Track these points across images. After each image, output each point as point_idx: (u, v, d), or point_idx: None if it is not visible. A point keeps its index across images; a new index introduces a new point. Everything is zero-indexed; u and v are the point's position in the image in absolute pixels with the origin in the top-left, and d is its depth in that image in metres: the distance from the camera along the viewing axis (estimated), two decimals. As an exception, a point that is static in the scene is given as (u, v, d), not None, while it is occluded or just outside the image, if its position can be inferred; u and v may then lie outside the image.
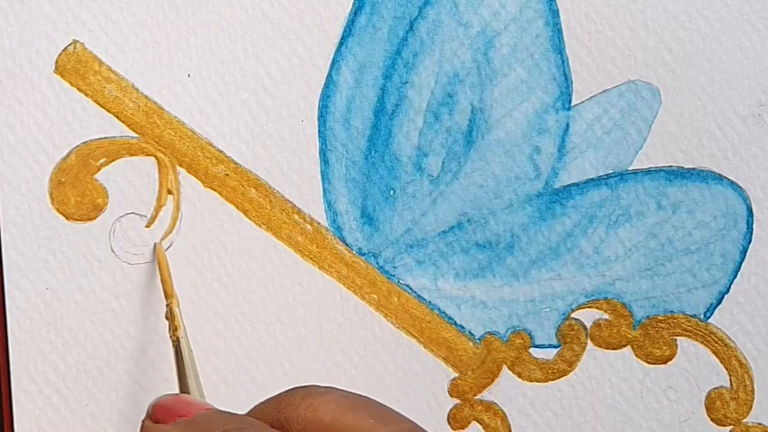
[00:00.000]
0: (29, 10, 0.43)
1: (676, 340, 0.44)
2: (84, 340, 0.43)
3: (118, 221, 0.43)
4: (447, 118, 0.44)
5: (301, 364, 0.43)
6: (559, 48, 0.44)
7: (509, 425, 0.44)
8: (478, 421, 0.44)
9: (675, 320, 0.44)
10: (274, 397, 0.32)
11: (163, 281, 0.42)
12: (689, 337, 0.44)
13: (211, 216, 0.44)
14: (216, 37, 0.44)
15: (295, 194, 0.44)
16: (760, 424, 0.44)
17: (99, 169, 0.43)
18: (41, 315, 0.43)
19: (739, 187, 0.44)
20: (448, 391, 0.44)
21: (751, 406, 0.44)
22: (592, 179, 0.44)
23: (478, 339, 0.44)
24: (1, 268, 0.43)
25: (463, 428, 0.44)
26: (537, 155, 0.44)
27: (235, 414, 0.32)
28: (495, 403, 0.44)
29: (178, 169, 0.44)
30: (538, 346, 0.44)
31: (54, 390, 0.43)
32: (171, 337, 0.40)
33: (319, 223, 0.44)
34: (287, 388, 0.32)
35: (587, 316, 0.44)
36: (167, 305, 0.41)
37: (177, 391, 0.38)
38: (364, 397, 0.32)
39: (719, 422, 0.44)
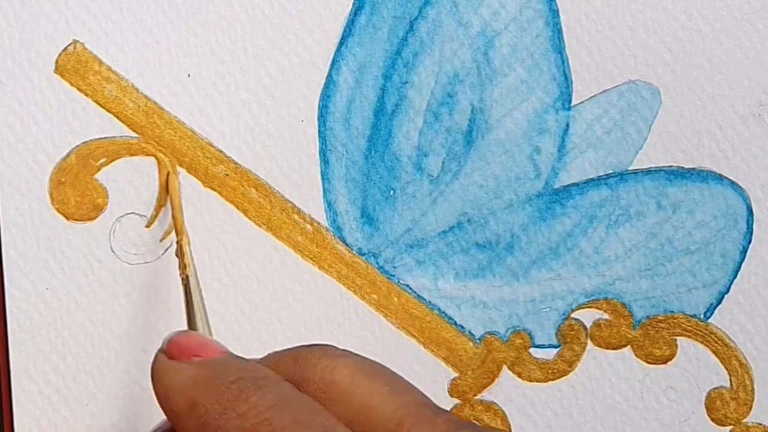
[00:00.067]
0: (29, 10, 0.43)
1: (676, 340, 0.44)
2: (84, 340, 0.43)
3: (118, 221, 0.43)
4: (447, 118, 0.44)
5: (301, 364, 0.43)
6: (559, 48, 0.44)
7: (509, 425, 0.44)
8: (478, 421, 0.44)
9: (675, 320, 0.44)
10: (290, 350, 0.32)
11: (174, 218, 0.42)
12: (689, 337, 0.44)
13: (211, 216, 0.44)
14: (216, 37, 0.44)
15: (295, 194, 0.44)
16: (760, 424, 0.44)
17: (99, 169, 0.43)
18: (41, 315, 0.43)
19: (739, 187, 0.44)
20: (448, 391, 0.44)
21: (751, 406, 0.44)
22: (592, 179, 0.44)
23: (478, 339, 0.44)
24: (1, 268, 0.43)
25: (463, 428, 0.44)
26: (537, 155, 0.44)
27: (252, 362, 0.32)
28: (495, 403, 0.44)
29: (178, 169, 0.44)
30: (538, 346, 0.44)
31: (54, 390, 0.43)
32: (180, 275, 0.39)
33: (319, 223, 0.44)
34: (304, 344, 0.32)
35: (587, 316, 0.44)
36: (178, 242, 0.41)
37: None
38: (380, 364, 0.32)
39: (719, 422, 0.44)
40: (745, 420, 0.44)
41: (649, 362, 0.44)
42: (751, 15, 0.44)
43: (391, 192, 0.44)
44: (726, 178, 0.44)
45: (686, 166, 0.44)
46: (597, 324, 0.44)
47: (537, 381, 0.44)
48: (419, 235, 0.44)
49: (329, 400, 0.31)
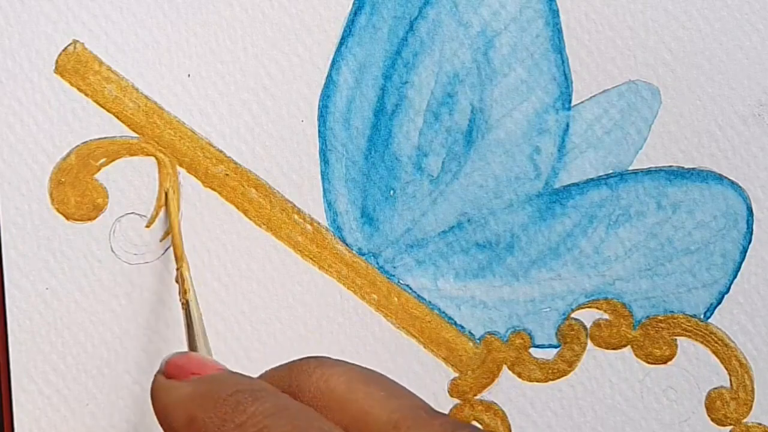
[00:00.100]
0: (29, 10, 0.43)
1: (676, 340, 0.44)
2: (84, 340, 0.43)
3: (118, 221, 0.43)
4: (447, 118, 0.44)
5: (301, 364, 0.43)
6: (559, 48, 0.44)
7: (509, 425, 0.44)
8: (478, 421, 0.44)
9: (675, 320, 0.44)
10: (286, 364, 0.33)
11: (174, 245, 0.42)
12: (689, 337, 0.44)
13: (211, 216, 0.44)
14: (216, 37, 0.44)
15: (295, 194, 0.44)
16: (760, 424, 0.44)
17: (99, 169, 0.43)
18: (41, 315, 0.43)
19: (739, 187, 0.44)
20: (448, 391, 0.44)
21: (751, 406, 0.44)
22: (592, 179, 0.44)
23: (478, 339, 0.44)
24: (1, 268, 0.43)
25: (463, 428, 0.44)
26: (537, 155, 0.44)
27: (248, 376, 0.33)
28: (495, 403, 0.44)
29: (178, 169, 0.44)
30: (538, 346, 0.44)
31: (54, 390, 0.43)
32: (180, 300, 0.40)
33: (319, 223, 0.44)
34: (299, 357, 0.32)
35: (587, 316, 0.44)
36: (177, 269, 0.41)
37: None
38: (376, 372, 0.32)
39: (719, 422, 0.44)
40: (745, 420, 0.44)
41: (649, 362, 0.44)
42: (751, 15, 0.44)
43: (391, 192, 0.44)
44: (726, 178, 0.44)
45: (686, 166, 0.44)
46: (597, 324, 0.44)
47: (537, 381, 0.44)
48: (419, 235, 0.44)
49: (326, 408, 0.31)
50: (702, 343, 0.44)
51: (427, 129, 0.44)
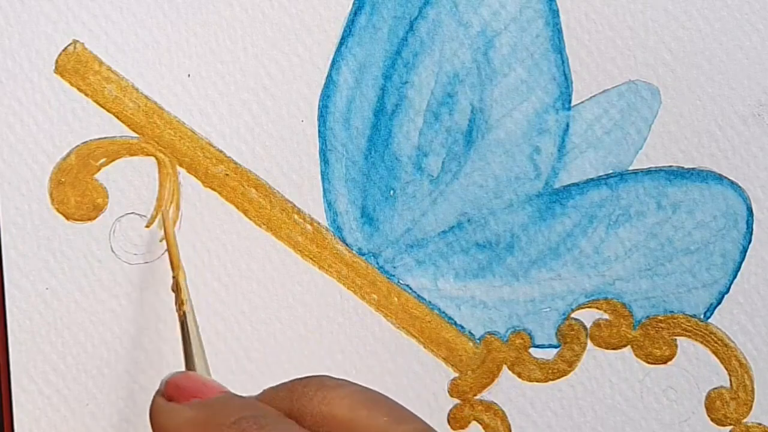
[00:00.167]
0: (29, 10, 0.43)
1: (676, 340, 0.44)
2: (84, 340, 0.43)
3: (118, 221, 0.43)
4: (447, 118, 0.44)
5: (301, 364, 0.43)
6: (559, 48, 0.44)
7: (509, 425, 0.44)
8: (478, 421, 0.44)
9: (675, 320, 0.44)
10: (286, 384, 0.32)
11: (170, 254, 0.41)
12: (689, 337, 0.44)
13: (211, 216, 0.44)
14: (216, 37, 0.44)
15: (295, 194, 0.44)
16: (760, 424, 0.44)
17: (99, 169, 0.43)
18: (41, 315, 0.43)
19: (739, 187, 0.44)
20: (448, 391, 0.44)
21: (751, 406, 0.44)
22: (592, 179, 0.44)
23: (478, 339, 0.44)
24: (1, 268, 0.43)
25: (463, 428, 0.44)
26: (537, 155, 0.44)
27: (251, 399, 0.32)
28: (495, 403, 0.44)
29: (178, 169, 0.44)
30: (538, 346, 0.44)
31: (54, 390, 0.43)
32: (177, 311, 0.39)
33: (319, 223, 0.44)
34: (299, 377, 0.32)
35: (587, 316, 0.44)
36: (173, 277, 0.40)
37: (183, 368, 0.37)
38: (378, 393, 0.32)
39: (719, 422, 0.44)
40: (745, 420, 0.44)
41: (649, 362, 0.44)
42: (751, 15, 0.44)
43: (391, 192, 0.44)
44: (726, 178, 0.44)
45: (686, 166, 0.44)
46: (597, 324, 0.44)
47: (537, 381, 0.44)
48: (419, 235, 0.44)
49: None
50: (702, 343, 0.44)
51: (427, 129, 0.44)
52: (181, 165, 0.44)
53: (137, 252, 0.43)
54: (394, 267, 0.44)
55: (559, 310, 0.44)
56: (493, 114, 0.44)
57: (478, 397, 0.44)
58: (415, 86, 0.44)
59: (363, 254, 0.44)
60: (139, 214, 0.43)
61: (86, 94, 0.43)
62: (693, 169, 0.44)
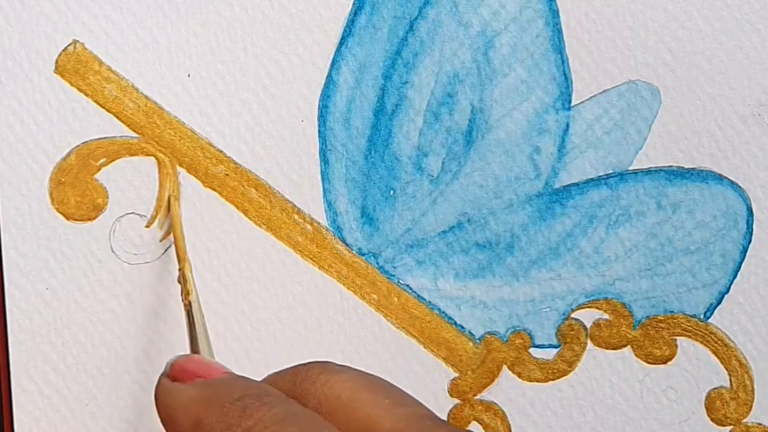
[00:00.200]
0: (29, 10, 0.43)
1: (676, 340, 0.44)
2: (84, 340, 0.43)
3: (118, 221, 0.43)
4: (447, 118, 0.44)
5: (301, 364, 0.43)
6: (559, 48, 0.44)
7: (509, 425, 0.44)
8: (478, 421, 0.44)
9: (675, 320, 0.44)
10: (290, 368, 0.32)
11: (176, 246, 0.41)
12: (689, 337, 0.44)
13: (211, 216, 0.44)
14: (216, 37, 0.44)
15: (295, 194, 0.44)
16: (760, 424, 0.44)
17: (99, 169, 0.43)
18: (41, 315, 0.43)
19: (739, 187, 0.44)
20: (448, 391, 0.44)
21: (751, 406, 0.44)
22: (592, 179, 0.44)
23: (478, 339, 0.44)
24: (1, 268, 0.43)
25: (463, 428, 0.44)
26: (537, 155, 0.44)
27: (255, 381, 0.32)
28: (495, 403, 0.44)
29: (178, 169, 0.44)
30: (538, 346, 0.44)
31: (54, 390, 0.43)
32: (183, 301, 0.39)
33: (319, 223, 0.44)
34: (303, 362, 0.32)
35: (587, 316, 0.44)
36: (180, 269, 0.40)
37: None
38: (380, 378, 0.32)
39: (719, 422, 0.44)
40: (745, 420, 0.44)
41: (649, 362, 0.44)
42: (751, 15, 0.44)
43: (391, 192, 0.44)
44: (726, 178, 0.44)
45: (686, 166, 0.44)
46: (597, 324, 0.44)
47: (537, 381, 0.44)
48: (419, 235, 0.44)
49: (330, 415, 0.31)
50: (702, 343, 0.44)
51: (427, 129, 0.44)
52: (181, 165, 0.44)
53: (137, 252, 0.43)
54: (394, 267, 0.44)
55: (559, 310, 0.44)
56: (493, 114, 0.44)
57: (478, 397, 0.44)
58: (415, 86, 0.44)
59: (363, 254, 0.44)
60: (139, 214, 0.43)
61: (86, 94, 0.43)
62: (693, 169, 0.44)
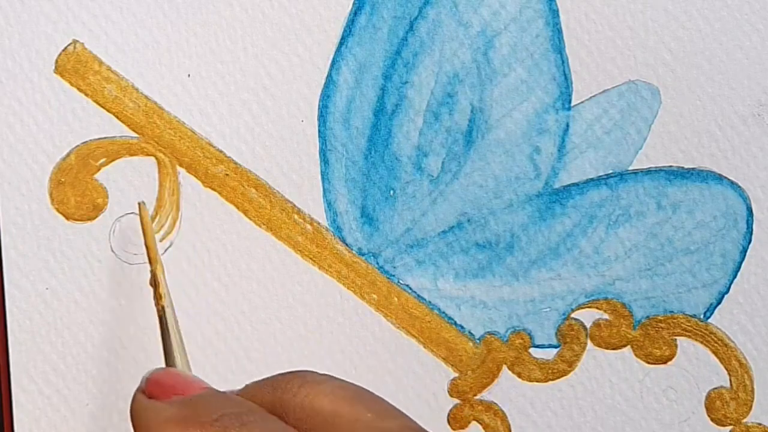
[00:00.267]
0: (29, 10, 0.43)
1: (676, 340, 0.44)
2: (84, 340, 0.43)
3: (118, 221, 0.43)
4: (447, 118, 0.44)
5: (301, 364, 0.43)
6: (559, 48, 0.44)
7: (509, 425, 0.44)
8: (478, 421, 0.44)
9: (675, 320, 0.44)
10: (269, 379, 0.32)
11: (147, 247, 0.40)
12: (689, 337, 0.44)
13: (211, 216, 0.44)
14: (216, 37, 0.44)
15: (295, 194, 0.44)
16: (760, 424, 0.44)
17: (99, 169, 0.43)
18: (41, 315, 0.43)
19: (739, 187, 0.44)
20: (448, 391, 0.44)
21: (751, 406, 0.44)
22: (592, 179, 0.44)
23: (478, 339, 0.44)
24: (1, 268, 0.43)
25: (463, 428, 0.44)
26: (537, 155, 0.44)
27: (233, 396, 0.32)
28: (495, 403, 0.44)
29: (178, 169, 0.44)
30: (538, 346, 0.44)
31: (54, 390, 0.43)
32: (156, 306, 0.38)
33: (319, 223, 0.44)
34: (282, 372, 0.32)
35: (587, 316, 0.44)
36: (151, 271, 0.39)
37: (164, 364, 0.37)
38: (361, 388, 0.31)
39: (719, 422, 0.44)
40: (745, 420, 0.44)
41: (649, 362, 0.44)
42: (751, 15, 0.44)
43: (391, 192, 0.44)
44: (726, 178, 0.44)
45: (686, 166, 0.44)
46: (597, 324, 0.44)
47: (537, 381, 0.44)
48: (419, 235, 0.44)
49: (312, 430, 0.30)
50: (702, 343, 0.44)
51: (427, 129, 0.44)
52: (181, 165, 0.44)
53: (137, 252, 0.43)
54: (394, 267, 0.44)
55: (559, 310, 0.44)
56: (493, 114, 0.44)
57: (478, 397, 0.44)
58: (415, 86, 0.44)
59: (363, 254, 0.44)
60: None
61: (86, 94, 0.43)
62: (693, 169, 0.44)
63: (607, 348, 0.44)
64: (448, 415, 0.44)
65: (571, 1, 0.44)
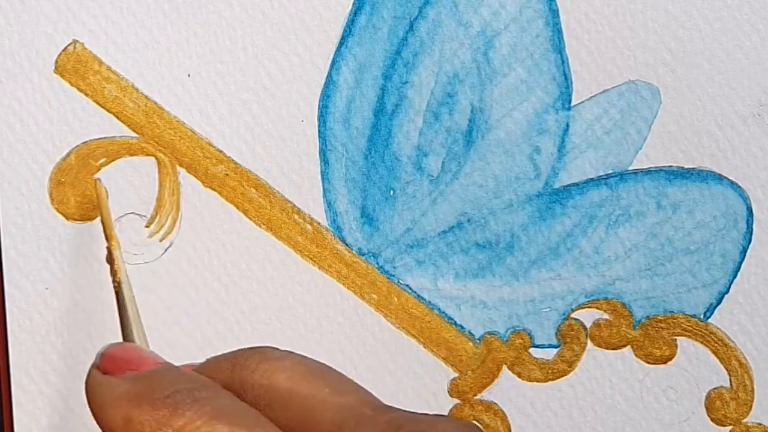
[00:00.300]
0: (29, 10, 0.43)
1: (676, 340, 0.44)
2: (84, 340, 0.43)
3: (118, 221, 0.43)
4: (447, 118, 0.44)
5: (301, 364, 0.43)
6: (559, 48, 0.44)
7: (509, 425, 0.44)
8: (478, 421, 0.44)
9: (675, 320, 0.44)
10: (228, 355, 0.31)
11: (103, 223, 0.40)
12: (689, 337, 0.44)
13: (211, 216, 0.44)
14: (216, 37, 0.44)
15: (295, 194, 0.44)
16: (760, 424, 0.44)
17: (99, 169, 0.43)
18: (41, 315, 0.43)
19: (739, 187, 0.44)
20: (448, 391, 0.44)
21: (751, 406, 0.44)
22: (592, 179, 0.44)
23: (478, 339, 0.44)
24: (1, 268, 0.43)
25: (463, 428, 0.44)
26: (537, 155, 0.44)
27: (188, 372, 0.31)
28: (495, 403, 0.44)
29: (178, 169, 0.44)
30: (538, 346, 0.44)
31: (54, 390, 0.43)
32: (112, 282, 0.38)
33: (319, 223, 0.44)
34: (244, 347, 0.31)
35: (587, 316, 0.44)
36: (107, 248, 0.39)
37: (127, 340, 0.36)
38: (322, 364, 0.31)
39: (719, 422, 0.44)
40: (745, 420, 0.44)
41: (649, 362, 0.44)
42: (751, 15, 0.44)
43: (391, 192, 0.44)
44: (726, 178, 0.44)
45: (686, 166, 0.44)
46: (597, 324, 0.44)
47: (537, 381, 0.44)
48: (419, 235, 0.44)
49: (269, 407, 0.29)
50: (702, 343, 0.44)
51: (427, 129, 0.44)
52: (181, 165, 0.44)
53: (137, 252, 0.43)
54: (394, 267, 0.44)
55: (559, 310, 0.44)
56: (493, 114, 0.44)
57: (478, 397, 0.44)
58: (415, 86, 0.44)
59: (363, 254, 0.44)
60: (139, 214, 0.43)
61: (86, 94, 0.43)
62: (693, 169, 0.44)
63: (607, 348, 0.44)
64: (448, 415, 0.44)
65: (571, 1, 0.44)
